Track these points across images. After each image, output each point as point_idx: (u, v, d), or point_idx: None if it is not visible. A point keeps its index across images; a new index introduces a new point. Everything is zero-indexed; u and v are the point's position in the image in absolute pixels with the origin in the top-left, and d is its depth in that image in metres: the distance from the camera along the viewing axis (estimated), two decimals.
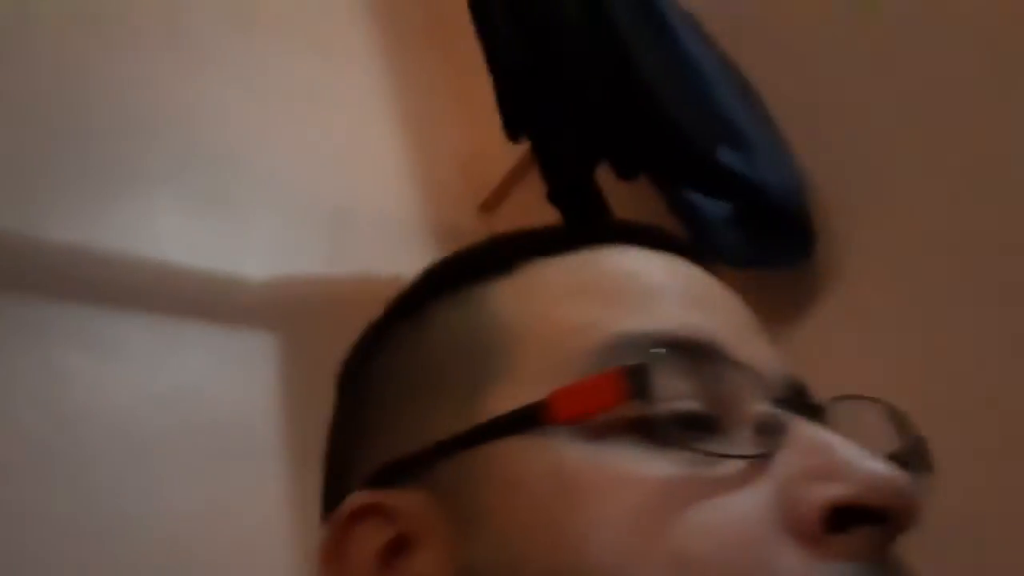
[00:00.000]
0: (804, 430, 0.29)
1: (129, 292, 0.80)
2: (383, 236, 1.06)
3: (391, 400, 0.35)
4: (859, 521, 0.26)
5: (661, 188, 0.78)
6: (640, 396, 0.28)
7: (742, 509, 0.26)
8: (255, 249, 0.92)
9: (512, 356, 0.32)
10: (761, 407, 0.29)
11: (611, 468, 0.28)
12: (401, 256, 1.05)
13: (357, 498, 0.32)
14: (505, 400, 0.31)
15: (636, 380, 0.28)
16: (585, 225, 0.38)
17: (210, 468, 0.75)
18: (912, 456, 0.32)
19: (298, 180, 1.01)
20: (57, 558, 0.65)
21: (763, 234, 0.73)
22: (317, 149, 1.06)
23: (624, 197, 0.85)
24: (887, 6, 0.79)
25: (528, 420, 0.29)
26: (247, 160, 0.98)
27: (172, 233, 0.86)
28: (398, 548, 0.31)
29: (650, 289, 0.33)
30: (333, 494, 0.36)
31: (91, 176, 0.84)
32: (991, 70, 0.70)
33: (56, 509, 0.67)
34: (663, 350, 0.29)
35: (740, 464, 0.27)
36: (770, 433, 0.28)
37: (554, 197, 0.81)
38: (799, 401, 0.31)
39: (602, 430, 0.29)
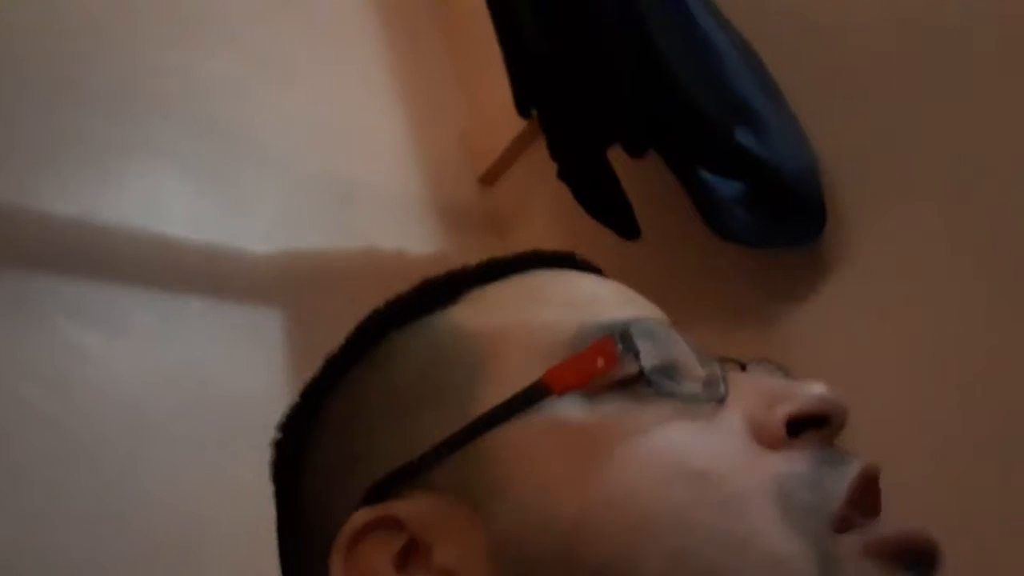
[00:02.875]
0: (744, 378, 0.36)
1: (134, 267, 0.78)
2: (385, 210, 1.05)
3: (361, 434, 0.37)
4: (807, 428, 0.33)
5: (672, 166, 0.77)
6: (629, 352, 0.33)
7: (725, 435, 0.33)
8: (259, 224, 0.90)
9: (489, 360, 0.35)
10: (702, 369, 0.35)
11: (613, 418, 0.32)
12: (403, 230, 1.04)
13: (358, 517, 0.34)
14: (494, 394, 0.34)
15: (623, 340, 0.33)
16: (512, 256, 0.41)
17: (219, 443, 0.75)
18: None
19: (300, 155, 1.00)
20: (69, 534, 0.65)
21: (775, 214, 0.73)
22: (319, 124, 1.05)
23: (633, 174, 0.85)
24: None
25: (526, 400, 0.33)
26: (250, 135, 0.96)
27: (177, 208, 0.85)
28: (411, 553, 0.33)
29: (591, 296, 0.38)
30: (314, 542, 0.36)
31: (94, 149, 0.82)
32: (1013, 56, 0.69)
33: (68, 485, 0.66)
34: (628, 326, 0.34)
35: (709, 406, 0.33)
36: (716, 384, 0.34)
37: (564, 174, 0.81)
38: (724, 362, 0.37)
39: (596, 391, 0.33)
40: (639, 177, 0.84)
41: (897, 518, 0.31)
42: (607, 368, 0.33)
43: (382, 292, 0.99)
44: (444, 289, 0.39)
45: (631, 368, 0.33)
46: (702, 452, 0.32)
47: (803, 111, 0.79)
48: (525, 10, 0.78)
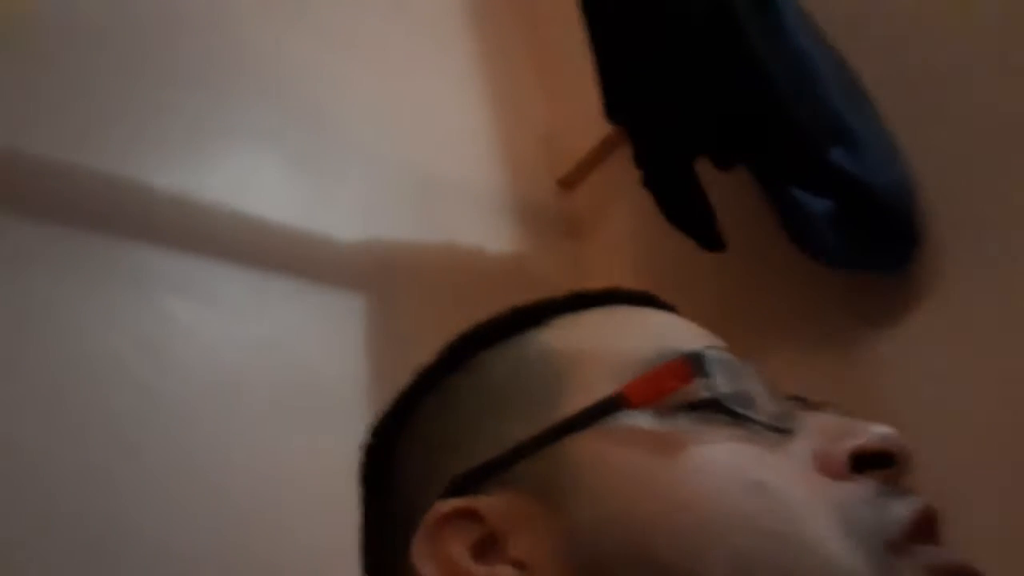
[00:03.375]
0: (813, 415, 0.37)
1: (226, 243, 0.81)
2: (465, 204, 1.07)
3: (450, 431, 0.39)
4: (871, 468, 0.34)
5: (760, 180, 0.77)
6: (702, 376, 0.35)
7: (790, 459, 0.34)
8: (344, 210, 0.93)
9: (572, 373, 0.38)
10: (773, 404, 0.36)
11: (683, 433, 0.34)
12: (481, 225, 1.06)
13: (441, 507, 0.36)
14: (575, 403, 0.36)
15: (697, 364, 0.35)
16: (597, 290, 0.44)
17: (293, 417, 0.77)
18: None
19: (387, 145, 1.02)
20: (155, 495, 0.68)
21: (866, 235, 0.72)
22: (407, 115, 1.07)
23: (718, 184, 0.84)
24: (1002, 4, 0.77)
25: (604, 409, 0.35)
26: (340, 121, 0.99)
27: (269, 188, 0.88)
28: (487, 544, 0.35)
29: (669, 327, 0.40)
30: (396, 531, 0.39)
31: (198, 128, 0.86)
32: None
33: (154, 445, 0.69)
34: (703, 352, 0.36)
35: (778, 436, 0.35)
36: (785, 418, 0.36)
37: (649, 183, 0.81)
38: (796, 400, 0.39)
39: (669, 410, 0.35)
40: (724, 188, 0.84)
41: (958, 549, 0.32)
42: (679, 387, 0.35)
43: (459, 285, 1.01)
44: (533, 315, 0.42)
45: (703, 392, 0.35)
46: (767, 467, 0.33)
47: (899, 129, 0.78)
48: (620, 18, 0.79)
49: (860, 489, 0.33)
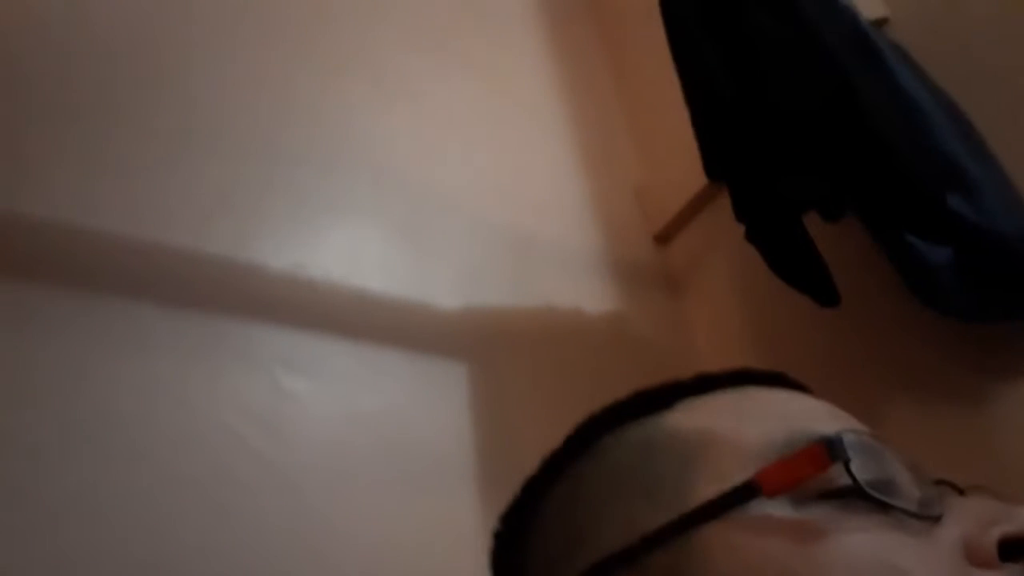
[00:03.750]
0: (962, 501, 0.36)
1: (333, 316, 0.83)
2: (561, 265, 1.07)
3: (580, 519, 0.39)
4: None
5: (873, 230, 0.74)
6: (839, 460, 0.33)
7: (936, 548, 0.32)
8: (445, 278, 0.94)
9: (702, 457, 0.36)
10: (918, 489, 0.34)
11: (821, 522, 0.32)
12: (578, 285, 1.06)
13: None
14: (707, 490, 0.35)
15: (835, 449, 0.33)
16: (724, 371, 0.42)
17: (404, 488, 0.78)
18: None
19: (483, 211, 1.04)
20: (270, 566, 0.69)
21: (990, 284, 0.68)
22: (502, 182, 1.08)
23: (829, 235, 0.82)
24: None
25: (737, 497, 0.34)
26: (441, 192, 1.01)
27: (373, 261, 0.90)
28: None
29: (803, 410, 0.39)
30: None
31: (301, 206, 0.89)
32: None
33: (268, 516, 0.70)
34: (841, 436, 0.34)
35: (924, 523, 0.33)
36: (931, 504, 0.34)
37: (753, 237, 0.79)
38: (944, 484, 0.37)
39: (806, 498, 0.33)
40: (833, 238, 0.81)
41: None
42: (816, 473, 0.33)
43: (560, 347, 1.01)
44: (658, 397, 0.41)
45: (842, 478, 0.33)
46: (912, 557, 0.32)
47: (1018, 173, 0.75)
48: (716, 67, 0.78)
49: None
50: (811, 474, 0.33)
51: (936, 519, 0.33)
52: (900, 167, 0.68)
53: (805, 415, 0.38)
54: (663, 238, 1.19)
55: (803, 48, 0.70)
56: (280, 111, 0.94)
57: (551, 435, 0.45)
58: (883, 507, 0.33)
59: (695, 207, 1.15)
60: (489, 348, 0.91)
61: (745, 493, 0.34)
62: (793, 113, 0.70)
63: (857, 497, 0.33)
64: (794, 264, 0.75)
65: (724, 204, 0.89)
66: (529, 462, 0.45)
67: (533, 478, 0.42)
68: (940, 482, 0.36)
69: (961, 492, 0.38)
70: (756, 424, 0.37)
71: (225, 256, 0.82)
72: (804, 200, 0.72)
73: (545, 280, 1.03)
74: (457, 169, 1.05)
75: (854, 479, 0.33)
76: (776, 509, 0.33)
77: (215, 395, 0.73)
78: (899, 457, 0.35)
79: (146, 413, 0.69)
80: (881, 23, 0.90)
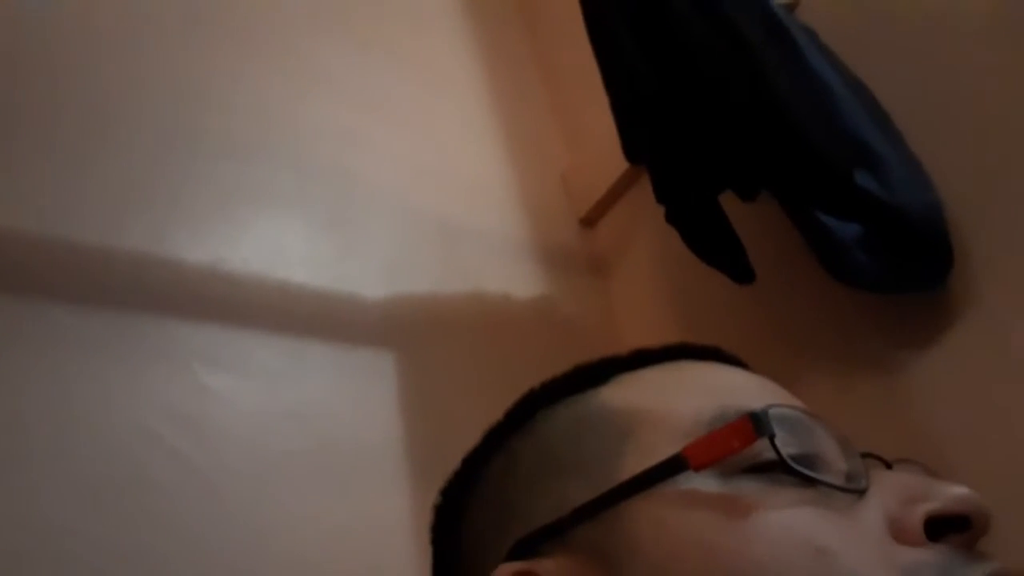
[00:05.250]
0: (887, 475, 0.36)
1: (256, 311, 0.82)
2: (489, 251, 1.07)
3: (513, 494, 0.40)
4: (948, 532, 0.33)
5: (787, 208, 0.76)
6: (764, 434, 0.33)
7: (859, 524, 0.32)
8: (370, 267, 0.93)
9: (632, 434, 0.37)
10: (845, 463, 0.35)
11: (746, 495, 0.33)
12: (506, 270, 1.06)
13: (503, 570, 0.36)
14: (635, 465, 0.35)
15: (760, 423, 0.33)
16: (660, 347, 0.43)
17: (334, 483, 0.77)
18: None
19: (407, 199, 1.03)
20: (195, 566, 0.67)
21: (897, 257, 0.71)
22: (424, 168, 1.08)
23: (743, 214, 0.84)
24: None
25: (664, 472, 0.34)
26: (359, 180, 1.00)
27: (296, 253, 0.89)
28: None
29: (734, 385, 0.39)
30: None
31: (220, 198, 0.87)
32: None
33: (193, 521, 0.69)
34: (767, 411, 0.34)
35: (849, 497, 0.33)
36: (857, 478, 0.35)
37: (672, 218, 0.80)
38: (871, 458, 0.38)
39: (732, 472, 0.34)
40: (749, 218, 0.83)
41: None
42: (741, 448, 0.34)
43: (489, 332, 1.01)
44: (594, 373, 0.42)
45: (767, 452, 0.34)
46: (832, 533, 0.32)
47: (923, 149, 0.77)
48: (634, 55, 0.79)
49: (931, 556, 0.32)
50: (737, 448, 0.34)
51: (861, 492, 0.34)
52: (811, 147, 0.69)
53: (736, 390, 0.38)
54: (588, 221, 1.20)
55: (716, 32, 0.71)
56: (194, 102, 0.92)
57: (481, 421, 0.45)
58: (808, 481, 0.33)
59: (618, 190, 1.17)
60: (417, 336, 0.91)
61: (672, 467, 0.34)
62: (707, 96, 0.71)
63: (782, 471, 0.33)
64: (711, 243, 0.77)
65: (646, 186, 0.90)
66: (460, 449, 0.46)
67: (472, 451, 0.43)
68: (867, 455, 0.37)
69: (888, 465, 0.39)
70: (687, 399, 0.38)
71: (142, 251, 0.79)
72: (719, 181, 0.74)
73: (473, 266, 1.03)
74: (381, 157, 1.04)
75: (779, 453, 0.33)
76: (703, 484, 0.34)
77: (133, 393, 0.71)
78: (828, 431, 0.36)
79: (59, 414, 0.67)
80: (792, 7, 0.92)
